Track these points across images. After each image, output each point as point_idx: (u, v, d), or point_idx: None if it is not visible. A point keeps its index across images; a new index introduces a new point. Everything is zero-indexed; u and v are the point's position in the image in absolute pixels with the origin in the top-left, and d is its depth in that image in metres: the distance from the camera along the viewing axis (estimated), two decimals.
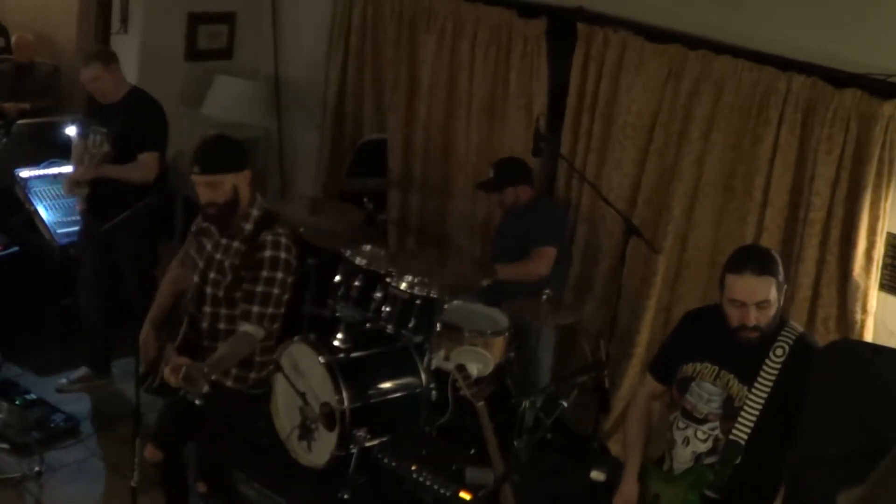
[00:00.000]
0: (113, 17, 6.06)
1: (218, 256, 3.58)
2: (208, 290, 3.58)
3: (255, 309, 3.49)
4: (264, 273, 3.49)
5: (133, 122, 4.88)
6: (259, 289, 3.49)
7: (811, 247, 4.31)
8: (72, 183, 4.99)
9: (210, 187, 3.48)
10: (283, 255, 3.53)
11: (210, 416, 3.55)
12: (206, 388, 3.24)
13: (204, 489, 3.85)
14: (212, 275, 3.57)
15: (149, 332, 3.72)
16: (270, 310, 3.52)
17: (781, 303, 3.18)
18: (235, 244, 3.56)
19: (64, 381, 5.17)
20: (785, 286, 3.20)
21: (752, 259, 3.17)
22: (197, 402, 3.29)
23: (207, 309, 3.60)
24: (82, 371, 5.21)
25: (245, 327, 3.51)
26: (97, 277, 5.13)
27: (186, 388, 3.25)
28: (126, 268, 5.03)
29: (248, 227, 3.55)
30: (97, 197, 4.94)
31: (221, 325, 3.61)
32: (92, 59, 4.92)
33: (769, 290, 3.10)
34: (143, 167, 4.86)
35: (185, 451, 3.91)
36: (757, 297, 3.09)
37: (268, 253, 3.50)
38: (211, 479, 3.87)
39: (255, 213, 3.57)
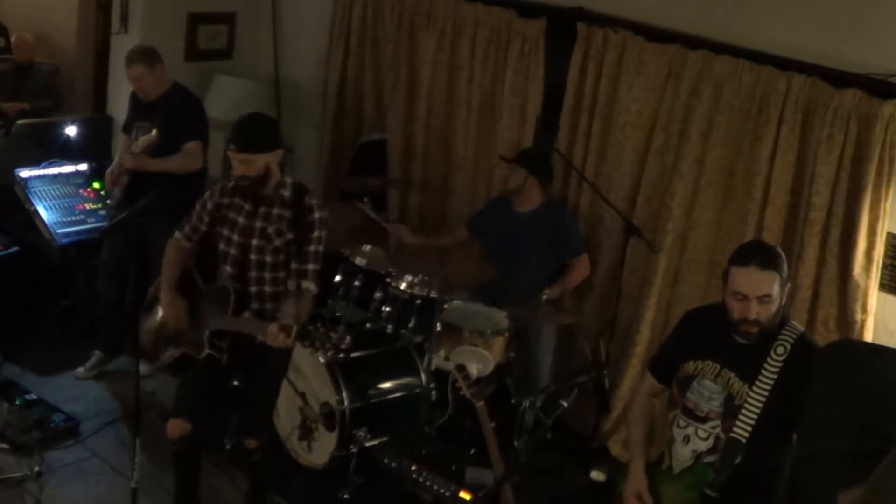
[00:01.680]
0: (113, 17, 6.05)
1: (258, 224, 3.79)
2: (252, 256, 3.79)
3: (311, 267, 3.77)
4: (315, 233, 3.78)
5: (174, 117, 5.01)
6: (312, 248, 3.77)
7: (811, 247, 4.31)
8: (114, 174, 5.12)
9: (244, 163, 3.71)
10: (325, 215, 3.83)
11: (263, 374, 3.86)
12: (335, 337, 3.51)
13: (254, 444, 3.95)
14: (254, 242, 3.78)
15: (174, 297, 3.93)
16: (318, 267, 3.80)
17: (783, 300, 3.18)
18: (276, 210, 3.79)
19: (81, 370, 5.26)
20: (788, 284, 3.21)
21: (758, 252, 3.18)
22: (321, 358, 3.55)
23: (253, 274, 3.81)
24: (96, 356, 5.30)
25: (306, 284, 3.76)
26: (120, 264, 5.24)
27: (311, 344, 3.48)
28: (154, 259, 5.07)
29: (287, 193, 3.80)
30: (136, 187, 5.02)
31: (267, 288, 3.82)
32: (135, 60, 5.04)
33: (772, 285, 3.11)
34: (189, 156, 5.01)
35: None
36: (759, 291, 3.10)
37: (317, 215, 3.78)
38: (260, 434, 3.97)
39: (289, 180, 3.83)
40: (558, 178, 5.19)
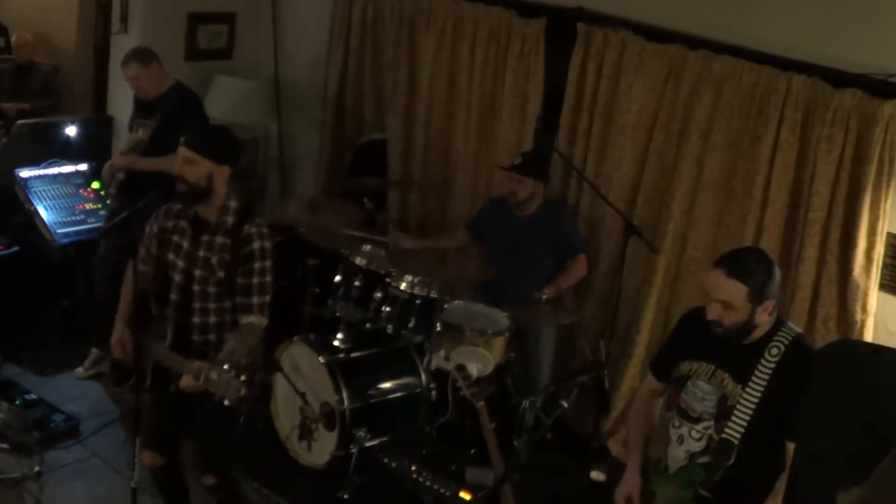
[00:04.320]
0: (113, 17, 6.05)
1: (201, 253, 3.59)
2: (196, 287, 3.60)
3: (256, 300, 3.58)
4: (256, 265, 3.57)
5: (174, 116, 4.99)
6: (255, 280, 3.57)
7: (811, 247, 4.31)
8: (112, 168, 5.13)
9: (187, 163, 3.53)
10: (267, 244, 3.62)
11: (208, 409, 3.55)
12: (242, 390, 3.25)
13: (212, 482, 3.84)
14: (197, 272, 3.59)
15: (123, 331, 3.77)
16: (267, 297, 3.63)
17: (755, 315, 3.14)
18: (219, 239, 3.59)
19: (80, 370, 5.27)
20: (769, 301, 3.13)
21: (734, 259, 3.18)
22: (226, 402, 3.29)
23: (196, 305, 3.62)
24: (93, 354, 5.30)
25: (249, 319, 3.58)
26: (116, 261, 5.18)
27: (215, 391, 3.27)
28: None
29: (230, 219, 3.60)
30: (130, 183, 5.01)
31: (211, 319, 3.63)
32: (131, 59, 5.06)
33: (734, 295, 3.08)
34: None
35: (182, 451, 3.90)
36: (718, 295, 3.11)
37: (256, 245, 3.57)
38: (218, 471, 3.85)
39: (233, 205, 3.61)
40: (558, 177, 5.20)
